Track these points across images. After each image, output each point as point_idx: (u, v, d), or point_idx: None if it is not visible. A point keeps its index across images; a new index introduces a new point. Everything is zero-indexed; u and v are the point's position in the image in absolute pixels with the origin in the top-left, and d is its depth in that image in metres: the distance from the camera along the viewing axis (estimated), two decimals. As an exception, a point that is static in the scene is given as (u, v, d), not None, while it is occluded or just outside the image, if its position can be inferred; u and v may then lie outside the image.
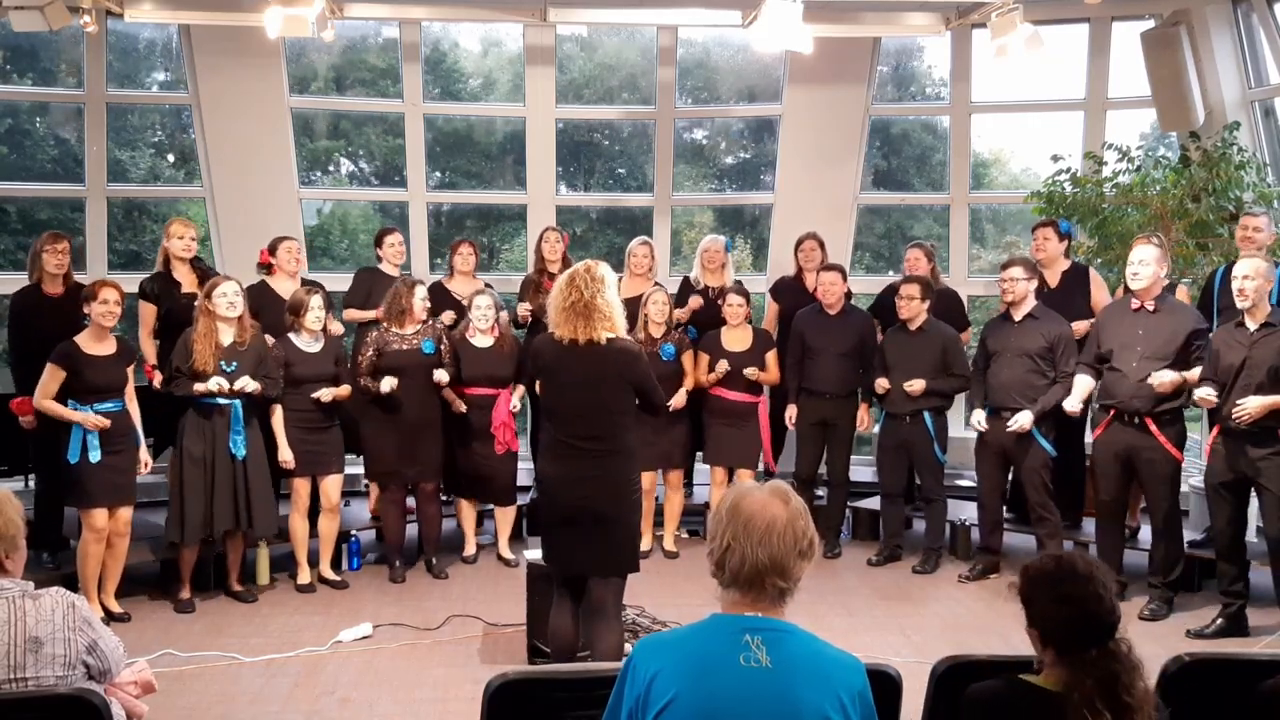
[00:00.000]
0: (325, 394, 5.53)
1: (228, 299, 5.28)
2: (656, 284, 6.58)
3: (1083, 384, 5.44)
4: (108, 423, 4.96)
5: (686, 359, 6.21)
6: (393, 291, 5.87)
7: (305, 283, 6.09)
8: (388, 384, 5.63)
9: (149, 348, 5.88)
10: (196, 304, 5.34)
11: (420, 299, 5.84)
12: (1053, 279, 6.13)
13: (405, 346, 5.78)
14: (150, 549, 5.65)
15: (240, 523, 5.31)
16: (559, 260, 6.63)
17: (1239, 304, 4.85)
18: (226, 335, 5.29)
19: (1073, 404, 5.43)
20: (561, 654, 4.01)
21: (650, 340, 6.08)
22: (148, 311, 5.85)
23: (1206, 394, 4.86)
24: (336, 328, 6.18)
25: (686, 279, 7.03)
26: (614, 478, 3.91)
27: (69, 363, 4.92)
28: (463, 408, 5.93)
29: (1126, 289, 5.39)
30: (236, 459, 5.25)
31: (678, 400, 6.05)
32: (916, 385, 5.94)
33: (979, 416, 5.83)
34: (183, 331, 5.32)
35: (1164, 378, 5.02)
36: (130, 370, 5.19)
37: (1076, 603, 2.15)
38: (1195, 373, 5.04)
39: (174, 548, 5.34)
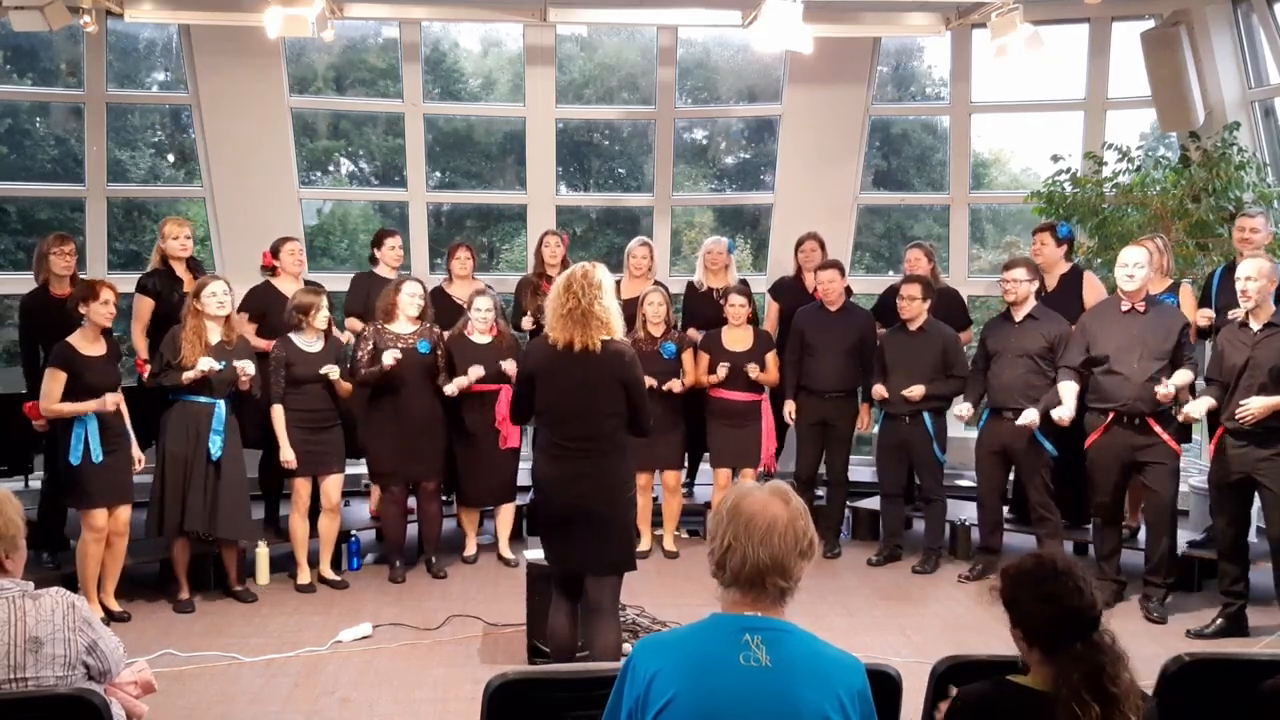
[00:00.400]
0: (332, 369, 5.51)
1: (217, 298, 5.29)
2: (657, 282, 6.58)
3: (1070, 391, 5.34)
4: (119, 397, 5.02)
5: (687, 357, 6.21)
6: (383, 291, 5.89)
7: (307, 284, 6.09)
8: (390, 356, 5.60)
9: (141, 342, 5.88)
10: (186, 302, 5.35)
11: (407, 295, 5.81)
12: (1051, 282, 6.11)
13: (401, 346, 5.77)
14: (146, 549, 5.63)
15: (204, 524, 5.25)
16: (559, 264, 6.59)
17: (1242, 305, 4.85)
18: (214, 334, 5.29)
19: (1065, 413, 5.31)
20: (560, 654, 4.02)
21: (650, 339, 6.09)
22: (144, 306, 5.85)
23: (1193, 410, 4.95)
24: (347, 337, 6.18)
25: (691, 284, 7.02)
26: (609, 477, 3.92)
27: (68, 365, 4.92)
28: (480, 371, 5.84)
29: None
30: (212, 460, 5.24)
31: (674, 384, 6.06)
32: (915, 392, 5.90)
33: (963, 408, 5.81)
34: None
35: (1167, 390, 4.99)
36: (117, 368, 5.21)
37: (1058, 600, 2.17)
38: (1183, 375, 5.08)
39: (168, 548, 5.33)
